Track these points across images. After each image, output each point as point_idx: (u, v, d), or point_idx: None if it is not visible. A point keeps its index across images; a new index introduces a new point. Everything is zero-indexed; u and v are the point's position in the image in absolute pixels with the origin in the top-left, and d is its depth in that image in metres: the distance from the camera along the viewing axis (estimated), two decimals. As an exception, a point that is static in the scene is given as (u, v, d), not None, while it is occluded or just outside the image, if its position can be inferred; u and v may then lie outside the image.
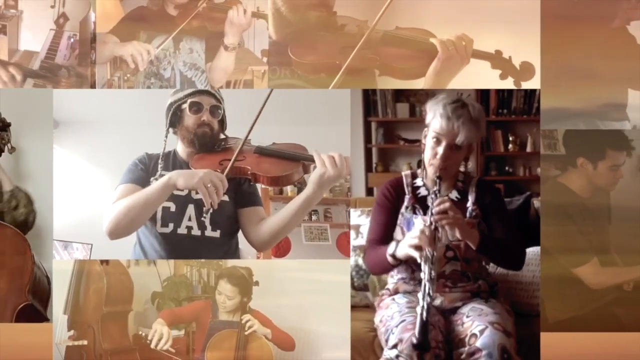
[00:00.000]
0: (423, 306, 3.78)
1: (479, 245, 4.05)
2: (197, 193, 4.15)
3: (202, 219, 4.15)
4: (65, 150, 5.05)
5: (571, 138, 4.71)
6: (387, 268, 4.20)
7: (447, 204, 3.99)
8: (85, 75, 4.78)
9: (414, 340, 3.73)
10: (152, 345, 4.37)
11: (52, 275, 4.66)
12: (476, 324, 3.93)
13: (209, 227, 4.25)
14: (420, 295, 3.83)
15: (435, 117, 4.10)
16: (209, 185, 3.92)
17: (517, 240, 4.30)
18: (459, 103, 4.08)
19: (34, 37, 4.80)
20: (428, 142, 4.16)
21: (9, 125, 4.80)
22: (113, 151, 4.59)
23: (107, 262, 4.57)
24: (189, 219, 4.24)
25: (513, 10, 4.70)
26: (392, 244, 4.10)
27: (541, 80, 4.72)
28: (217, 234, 4.26)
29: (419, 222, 4.11)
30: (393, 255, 4.07)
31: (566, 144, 4.71)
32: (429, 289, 3.82)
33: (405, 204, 4.26)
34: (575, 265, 4.57)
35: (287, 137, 4.28)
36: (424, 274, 3.87)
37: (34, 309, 4.55)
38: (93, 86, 4.78)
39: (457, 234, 4.00)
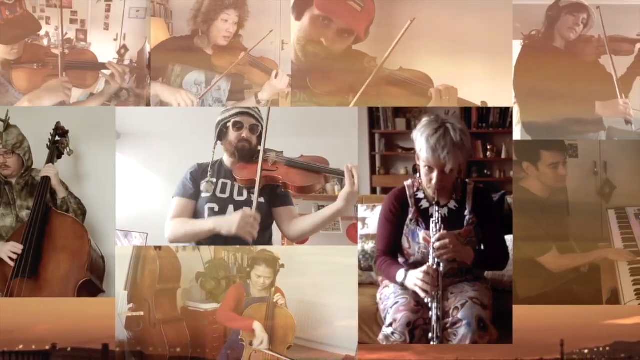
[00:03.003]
0: (434, 336, 3.85)
1: (473, 262, 4.01)
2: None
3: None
4: (125, 157, 5.06)
5: (518, 147, 4.75)
6: (396, 282, 4.08)
7: (446, 240, 3.89)
8: (142, 95, 4.82)
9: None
10: (254, 347, 4.35)
11: (115, 259, 4.70)
12: (458, 299, 3.94)
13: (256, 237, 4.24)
14: (430, 335, 3.86)
15: (422, 149, 3.86)
16: (247, 229, 4.06)
17: (503, 247, 4.20)
18: (441, 131, 3.81)
19: (100, 64, 4.85)
20: (422, 168, 3.95)
21: (67, 132, 4.84)
22: (164, 158, 4.62)
23: (160, 248, 4.60)
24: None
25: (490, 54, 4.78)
26: (401, 272, 3.99)
27: (517, 100, 4.77)
28: None
29: (422, 235, 4.04)
30: (402, 284, 4.01)
31: (517, 153, 4.75)
32: (437, 330, 3.85)
33: (410, 216, 4.09)
34: (538, 255, 4.59)
35: (307, 146, 4.30)
36: (432, 314, 3.86)
37: (92, 283, 4.61)
38: (148, 104, 4.81)
39: (455, 258, 3.95)
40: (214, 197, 4.27)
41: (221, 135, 4.36)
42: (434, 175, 3.88)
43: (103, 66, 4.79)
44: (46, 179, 4.67)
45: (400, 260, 4.18)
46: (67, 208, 4.69)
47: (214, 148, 4.36)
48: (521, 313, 4.46)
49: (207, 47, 4.82)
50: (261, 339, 4.34)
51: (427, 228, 4.03)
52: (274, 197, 4.33)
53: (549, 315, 4.62)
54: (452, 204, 4.10)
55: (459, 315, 3.87)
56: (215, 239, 4.23)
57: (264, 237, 4.37)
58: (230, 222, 4.10)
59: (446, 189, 4.04)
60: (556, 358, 4.74)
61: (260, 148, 4.29)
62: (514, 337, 4.40)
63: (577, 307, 4.62)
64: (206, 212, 4.26)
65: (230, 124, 4.32)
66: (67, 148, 4.84)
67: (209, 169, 4.32)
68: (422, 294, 3.86)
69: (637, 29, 4.80)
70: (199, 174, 4.35)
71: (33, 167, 4.80)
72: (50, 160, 4.77)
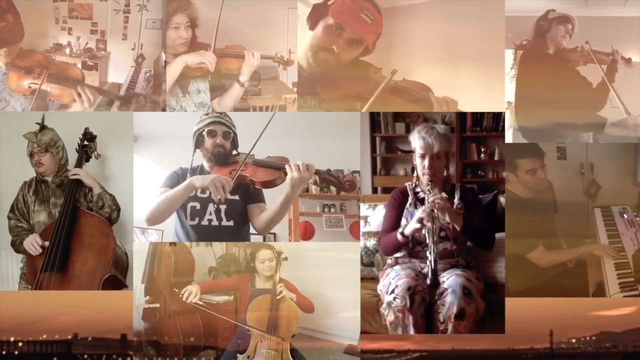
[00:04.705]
0: (431, 260, 4.09)
1: (462, 228, 4.23)
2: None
3: (214, 206, 4.37)
4: (142, 159, 5.08)
5: (511, 152, 4.78)
6: (397, 245, 4.35)
7: (438, 195, 4.25)
8: (158, 101, 4.86)
9: (428, 282, 4.07)
10: (184, 299, 4.45)
11: (133, 254, 4.73)
12: (446, 275, 4.16)
13: (224, 219, 4.43)
14: (428, 253, 4.12)
15: (415, 141, 4.37)
16: (217, 184, 4.16)
17: (489, 228, 4.46)
18: (428, 126, 4.37)
19: (118, 72, 4.87)
20: (417, 161, 4.40)
21: (95, 137, 4.87)
22: (177, 159, 4.64)
23: (174, 244, 4.62)
24: (210, 214, 4.42)
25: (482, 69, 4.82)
26: (402, 226, 4.34)
27: (515, 106, 4.80)
28: (231, 223, 4.42)
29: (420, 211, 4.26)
30: (402, 233, 4.28)
31: (509, 157, 4.78)
32: (433, 249, 4.10)
33: (409, 202, 4.45)
34: (526, 252, 4.63)
35: (314, 149, 4.38)
36: (429, 239, 4.13)
37: (116, 279, 4.64)
38: (164, 109, 4.85)
39: (447, 218, 4.19)
40: (195, 197, 4.43)
41: (198, 143, 4.50)
42: (426, 161, 4.32)
43: (77, 85, 4.83)
44: (74, 182, 4.71)
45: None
46: (102, 204, 4.72)
47: (193, 155, 4.50)
48: (513, 305, 4.50)
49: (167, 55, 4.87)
50: (189, 290, 4.47)
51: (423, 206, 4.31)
52: (247, 195, 4.48)
53: (539, 307, 4.64)
54: (444, 195, 4.37)
55: (445, 285, 4.10)
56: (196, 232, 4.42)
57: (242, 232, 4.52)
58: (205, 177, 4.29)
59: (438, 177, 4.39)
60: (546, 347, 4.77)
61: (236, 151, 4.51)
62: (506, 327, 4.44)
63: (565, 299, 4.64)
64: (189, 210, 4.43)
65: (205, 133, 4.46)
66: (95, 152, 4.88)
67: (188, 173, 4.44)
68: (419, 225, 4.18)
69: (611, 41, 4.84)
70: (181, 173, 4.50)
71: (67, 167, 4.84)
72: (79, 164, 4.82)
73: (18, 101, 4.83)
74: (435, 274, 4.09)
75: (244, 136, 4.52)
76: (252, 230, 4.57)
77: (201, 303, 4.48)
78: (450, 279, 4.11)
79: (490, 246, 4.45)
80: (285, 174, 4.24)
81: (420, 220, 4.17)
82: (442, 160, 4.37)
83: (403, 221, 4.42)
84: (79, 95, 4.80)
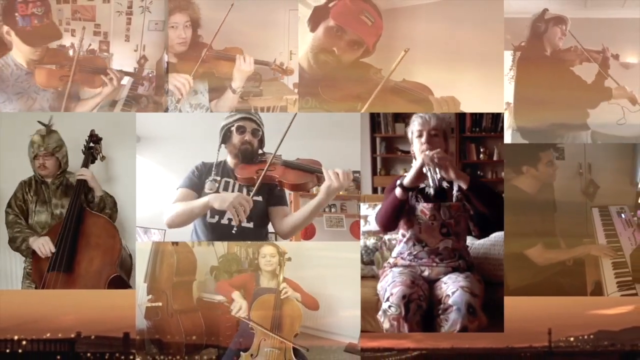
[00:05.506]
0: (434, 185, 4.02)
1: (470, 184, 4.05)
2: None
3: (232, 232, 4.22)
4: (145, 159, 5.08)
5: (510, 152, 4.80)
6: (395, 205, 4.16)
7: (439, 149, 4.07)
8: (160, 102, 4.86)
9: (431, 191, 4.08)
10: (233, 313, 4.46)
11: (135, 254, 4.73)
12: (450, 287, 4.01)
13: (244, 220, 4.30)
14: (430, 181, 4.01)
15: (413, 125, 4.21)
16: (237, 206, 4.11)
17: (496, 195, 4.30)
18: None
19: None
20: (415, 145, 4.21)
21: (100, 139, 4.87)
22: (179, 159, 4.64)
23: (177, 243, 4.64)
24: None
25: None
26: (400, 180, 4.13)
27: (514, 107, 4.81)
28: (250, 225, 4.34)
29: (420, 207, 4.20)
30: (401, 185, 4.10)
31: (508, 158, 4.79)
32: (433, 180, 3.99)
33: (410, 194, 4.19)
34: (525, 249, 4.63)
35: (314, 149, 4.35)
36: (430, 178, 4.02)
37: (121, 279, 4.64)
38: (166, 110, 4.85)
39: (451, 175, 4.02)
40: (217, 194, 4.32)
41: (225, 138, 4.43)
42: (424, 137, 4.14)
43: (105, 71, 4.84)
44: (81, 182, 4.72)
45: (401, 231, 4.32)
46: (103, 205, 4.74)
47: (219, 150, 4.43)
48: (512, 304, 4.49)
49: (169, 55, 4.86)
50: (239, 306, 4.45)
51: (425, 202, 4.19)
52: (271, 196, 4.40)
53: (538, 306, 4.65)
54: (444, 184, 4.16)
55: (450, 302, 3.95)
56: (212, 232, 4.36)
57: (261, 234, 4.47)
58: (224, 197, 4.19)
59: None
60: (544, 345, 4.78)
61: (262, 151, 4.44)
62: (505, 326, 4.43)
63: (563, 298, 4.65)
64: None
65: (234, 128, 4.39)
66: (100, 154, 4.88)
67: (214, 168, 4.41)
68: (419, 162, 4.04)
69: (608, 42, 4.85)
70: (204, 170, 4.42)
71: (67, 169, 4.85)
72: (85, 164, 4.82)
73: (45, 97, 4.83)
74: (437, 182, 4.02)
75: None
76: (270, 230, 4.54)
77: (248, 317, 4.47)
78: (455, 295, 3.94)
79: (501, 214, 4.25)
80: (318, 178, 4.19)
81: (421, 163, 4.03)
82: (440, 139, 4.16)
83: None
84: (110, 78, 4.81)
